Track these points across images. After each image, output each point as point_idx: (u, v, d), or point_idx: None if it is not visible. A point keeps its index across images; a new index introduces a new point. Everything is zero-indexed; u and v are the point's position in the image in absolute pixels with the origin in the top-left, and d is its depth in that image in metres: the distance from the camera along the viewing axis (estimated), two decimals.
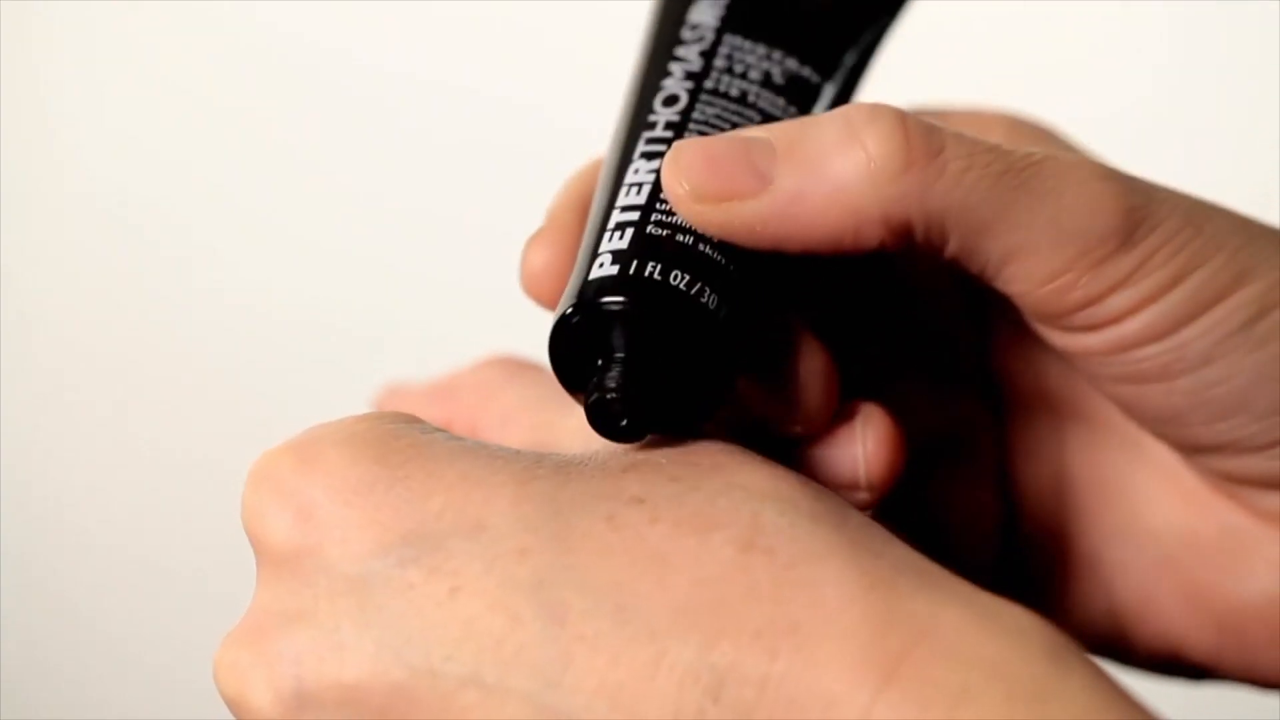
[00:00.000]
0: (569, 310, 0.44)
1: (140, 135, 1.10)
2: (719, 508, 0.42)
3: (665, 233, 0.45)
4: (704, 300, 0.44)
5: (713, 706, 0.39)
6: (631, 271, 0.44)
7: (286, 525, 0.43)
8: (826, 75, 0.49)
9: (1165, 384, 0.47)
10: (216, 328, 1.11)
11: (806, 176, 0.44)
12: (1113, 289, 0.46)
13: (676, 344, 0.44)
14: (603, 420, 0.44)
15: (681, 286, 0.44)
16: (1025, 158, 0.45)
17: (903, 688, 0.39)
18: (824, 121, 0.45)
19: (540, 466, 0.43)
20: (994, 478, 0.55)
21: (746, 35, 0.49)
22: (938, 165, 0.44)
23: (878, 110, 0.44)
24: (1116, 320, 0.46)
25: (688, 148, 0.45)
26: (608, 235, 0.45)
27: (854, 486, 0.48)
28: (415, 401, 0.52)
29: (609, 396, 0.43)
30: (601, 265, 0.44)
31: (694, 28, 0.49)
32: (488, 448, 0.44)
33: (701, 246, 0.45)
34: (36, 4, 1.10)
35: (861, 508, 0.47)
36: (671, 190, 0.45)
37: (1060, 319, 0.47)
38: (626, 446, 0.45)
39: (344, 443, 0.43)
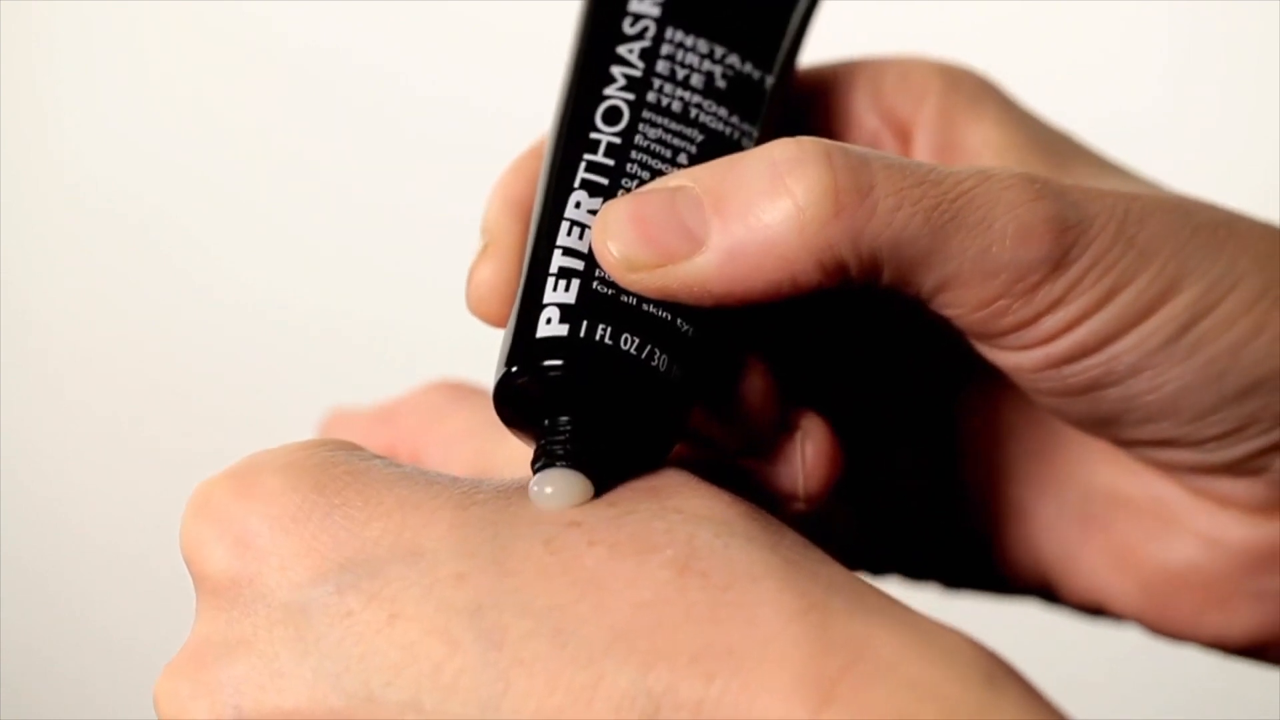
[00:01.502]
0: (515, 369, 0.44)
1: (140, 135, 1.10)
2: (655, 530, 0.42)
3: (611, 291, 0.44)
4: (654, 363, 0.44)
5: None
6: (582, 334, 0.44)
7: (225, 554, 0.43)
8: (767, 68, 0.48)
9: (1095, 394, 0.48)
10: (216, 328, 1.11)
11: (738, 233, 0.44)
12: (1044, 313, 0.46)
13: (627, 409, 0.44)
14: None
15: (632, 351, 0.44)
16: (956, 187, 0.44)
17: (839, 710, 0.39)
18: (750, 165, 0.44)
19: (479, 492, 0.43)
20: (930, 430, 0.55)
21: (688, 29, 0.48)
22: (867, 207, 0.44)
23: (804, 150, 0.44)
24: (1047, 340, 0.46)
25: (615, 213, 0.44)
26: (551, 282, 0.44)
27: (793, 498, 0.48)
28: (360, 426, 0.53)
29: (558, 465, 0.43)
30: (549, 321, 0.44)
31: (636, 19, 0.48)
32: (426, 474, 0.44)
33: (647, 306, 0.45)
34: (36, 4, 1.10)
35: (797, 514, 0.47)
36: (604, 260, 0.44)
37: (992, 339, 0.47)
38: None
39: (281, 470, 0.43)
